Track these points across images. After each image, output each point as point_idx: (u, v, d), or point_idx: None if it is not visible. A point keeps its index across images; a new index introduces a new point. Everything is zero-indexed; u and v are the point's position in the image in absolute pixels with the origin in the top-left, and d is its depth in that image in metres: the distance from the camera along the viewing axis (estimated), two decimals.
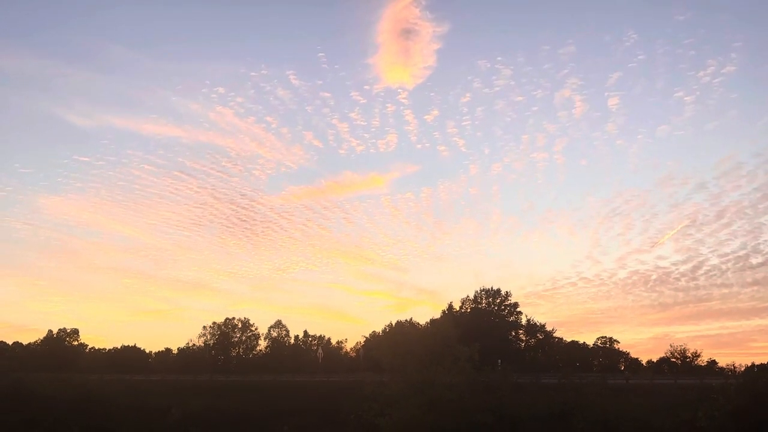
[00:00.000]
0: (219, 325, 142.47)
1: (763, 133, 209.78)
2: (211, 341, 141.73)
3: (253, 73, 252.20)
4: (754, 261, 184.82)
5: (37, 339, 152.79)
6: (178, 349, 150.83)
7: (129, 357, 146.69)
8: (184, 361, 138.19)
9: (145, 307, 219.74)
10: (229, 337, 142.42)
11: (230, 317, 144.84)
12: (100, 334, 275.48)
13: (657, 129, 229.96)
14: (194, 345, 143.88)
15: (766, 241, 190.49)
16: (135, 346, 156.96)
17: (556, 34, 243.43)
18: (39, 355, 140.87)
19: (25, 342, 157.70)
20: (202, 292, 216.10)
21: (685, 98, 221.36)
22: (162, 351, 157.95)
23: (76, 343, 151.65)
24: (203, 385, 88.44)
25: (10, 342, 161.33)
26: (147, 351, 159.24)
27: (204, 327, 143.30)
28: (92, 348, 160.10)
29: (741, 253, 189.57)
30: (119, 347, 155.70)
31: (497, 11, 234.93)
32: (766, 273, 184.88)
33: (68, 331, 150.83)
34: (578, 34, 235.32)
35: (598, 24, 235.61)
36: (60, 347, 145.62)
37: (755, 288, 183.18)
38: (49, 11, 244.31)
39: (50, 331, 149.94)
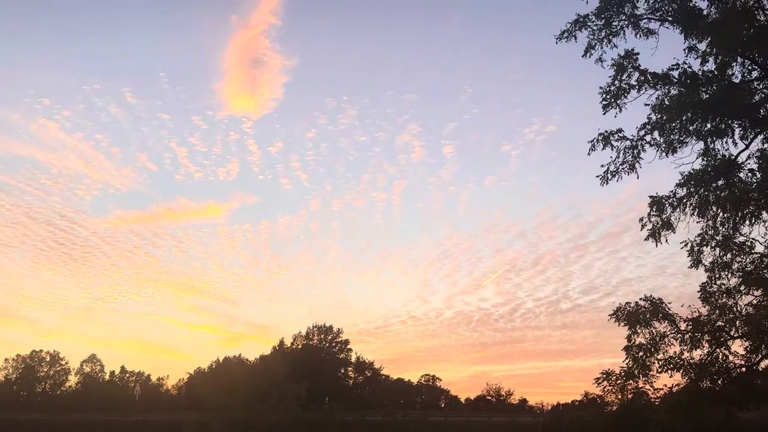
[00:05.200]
0: (24, 358, 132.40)
1: (577, 189, 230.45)
2: (14, 375, 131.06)
3: (84, 87, 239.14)
4: (563, 306, 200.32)
5: None
6: None
7: None
8: None
9: None
10: (34, 372, 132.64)
11: (37, 349, 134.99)
12: None
13: (486, 178, 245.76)
14: None
15: (574, 288, 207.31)
16: None
17: (399, 81, 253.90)
18: None
19: None
20: (7, 321, 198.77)
21: (512, 152, 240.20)
22: None
23: None
24: (3, 424, 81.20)
25: None
26: None
27: (6, 359, 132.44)
28: None
29: (553, 298, 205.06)
30: None
31: (346, 51, 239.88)
32: (573, 318, 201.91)
33: None
34: (420, 83, 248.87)
35: (439, 76, 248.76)
36: None
37: (564, 331, 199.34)
38: None
39: None
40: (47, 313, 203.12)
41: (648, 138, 18.81)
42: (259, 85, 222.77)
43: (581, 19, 19.03)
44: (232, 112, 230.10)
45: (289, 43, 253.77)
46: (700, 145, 18.95)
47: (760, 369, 20.57)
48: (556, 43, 19.41)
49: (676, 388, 20.19)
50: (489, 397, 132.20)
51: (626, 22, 18.89)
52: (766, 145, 19.15)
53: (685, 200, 19.06)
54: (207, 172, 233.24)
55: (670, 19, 18.71)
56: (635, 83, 18.64)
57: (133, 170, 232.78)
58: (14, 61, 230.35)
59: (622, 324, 20.84)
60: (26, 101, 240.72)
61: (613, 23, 18.90)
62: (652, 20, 18.89)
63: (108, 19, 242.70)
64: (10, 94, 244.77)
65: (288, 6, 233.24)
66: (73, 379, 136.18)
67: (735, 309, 20.20)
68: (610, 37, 18.94)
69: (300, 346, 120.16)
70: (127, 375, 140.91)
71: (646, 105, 18.78)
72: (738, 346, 20.27)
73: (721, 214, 19.32)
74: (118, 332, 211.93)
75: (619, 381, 20.72)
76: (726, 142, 18.79)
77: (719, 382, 19.61)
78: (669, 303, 21.09)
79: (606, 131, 18.90)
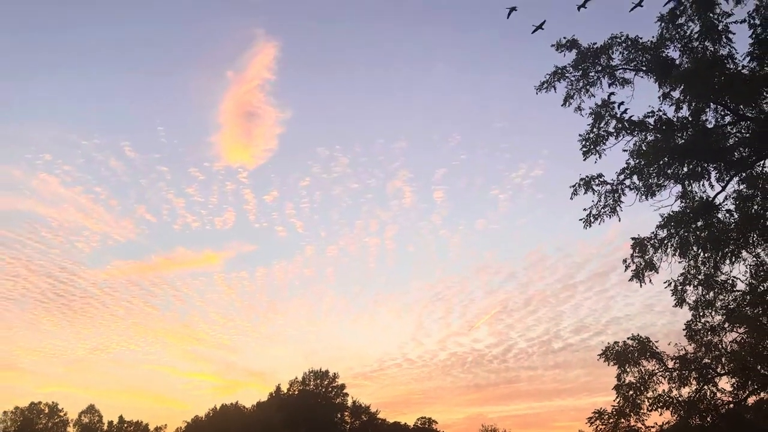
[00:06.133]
0: (22, 410, 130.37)
1: (564, 230, 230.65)
2: (12, 428, 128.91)
3: (84, 142, 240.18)
4: (555, 346, 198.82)
5: None
6: None
7: None
8: None
9: None
10: (33, 424, 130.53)
11: (36, 401, 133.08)
12: None
13: (475, 222, 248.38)
14: None
15: (565, 327, 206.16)
16: None
17: (389, 129, 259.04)
18: None
19: None
20: (6, 372, 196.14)
21: (500, 196, 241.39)
22: None
23: None
24: None
25: None
26: None
27: (4, 412, 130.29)
28: None
29: (545, 338, 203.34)
30: None
31: (338, 102, 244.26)
32: (565, 357, 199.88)
33: None
34: (409, 131, 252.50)
35: (427, 124, 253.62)
36: None
37: (557, 371, 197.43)
38: None
39: None
40: (46, 364, 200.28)
41: (628, 182, 19.18)
42: (254, 137, 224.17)
43: (559, 71, 19.60)
44: (229, 163, 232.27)
45: (283, 97, 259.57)
46: (678, 188, 19.34)
47: (749, 404, 20.63)
48: (537, 93, 19.99)
49: (667, 425, 20.22)
50: None
51: (602, 73, 19.43)
52: (741, 187, 19.53)
53: (666, 241, 19.31)
54: (204, 221, 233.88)
55: (644, 68, 19.25)
56: (613, 130, 19.09)
57: (132, 221, 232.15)
58: (16, 118, 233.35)
59: (611, 363, 20.94)
60: (27, 157, 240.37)
61: (590, 74, 19.44)
62: (628, 70, 19.44)
63: (108, 76, 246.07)
64: (12, 151, 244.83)
65: (281, 61, 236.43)
66: (71, 431, 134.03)
67: (720, 346, 20.33)
68: (588, 87, 19.48)
69: (296, 392, 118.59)
70: (125, 425, 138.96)
71: (625, 151, 19.22)
72: (725, 383, 20.37)
73: (701, 254, 19.51)
74: (116, 382, 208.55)
75: (611, 420, 20.68)
76: (703, 185, 19.18)
77: (708, 419, 19.65)
78: (657, 341, 21.23)
79: (587, 176, 19.31)
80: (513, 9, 21.82)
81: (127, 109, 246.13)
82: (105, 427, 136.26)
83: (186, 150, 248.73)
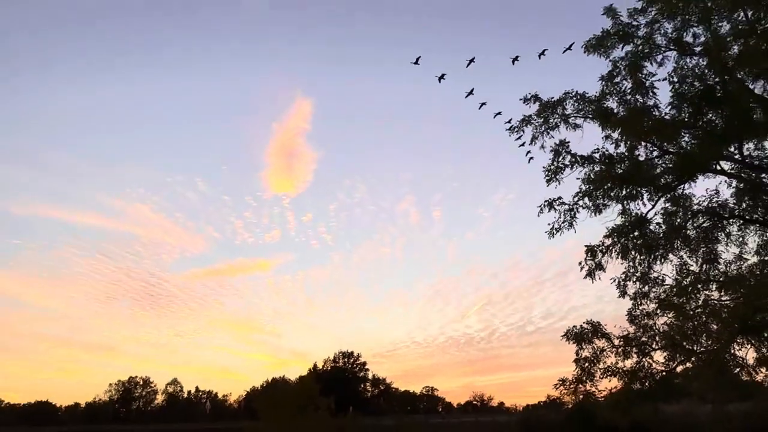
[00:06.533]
0: (123, 383, 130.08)
1: (535, 240, 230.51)
2: (116, 396, 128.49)
3: (168, 179, 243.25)
4: (528, 329, 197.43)
5: None
6: (85, 403, 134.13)
7: (41, 410, 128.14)
8: (91, 413, 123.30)
9: (58, 366, 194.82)
10: (131, 393, 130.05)
11: (133, 376, 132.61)
12: (17, 391, 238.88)
13: (466, 234, 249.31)
14: (100, 400, 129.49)
15: (536, 315, 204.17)
16: (47, 401, 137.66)
17: (398, 164, 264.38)
18: None
19: None
20: (111, 354, 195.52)
21: (484, 214, 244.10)
22: (71, 405, 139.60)
23: None
24: None
25: None
26: (58, 405, 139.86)
27: (110, 384, 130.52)
28: (8, 404, 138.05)
29: (520, 323, 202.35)
30: (32, 402, 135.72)
31: (359, 144, 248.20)
32: (537, 338, 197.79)
33: None
34: (414, 165, 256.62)
35: (427, 161, 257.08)
36: None
37: (530, 348, 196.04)
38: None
39: None
40: (140, 347, 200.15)
41: (581, 203, 18.89)
42: (294, 172, 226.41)
43: (526, 118, 19.44)
44: (275, 193, 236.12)
45: (316, 141, 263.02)
46: (619, 206, 19.03)
47: (678, 372, 20.05)
48: (509, 135, 19.80)
49: (615, 389, 19.64)
50: (475, 402, 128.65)
51: (559, 119, 19.23)
52: (667, 205, 19.29)
53: (611, 247, 19.00)
54: (257, 237, 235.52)
55: (591, 116, 19.02)
56: (568, 163, 18.88)
57: (203, 238, 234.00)
58: (121, 162, 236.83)
59: (571, 342, 20.44)
60: (127, 191, 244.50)
61: (550, 120, 19.25)
62: (578, 117, 19.24)
63: (186, 129, 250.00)
64: (117, 187, 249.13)
65: (314, 114, 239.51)
66: (160, 398, 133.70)
67: (654, 328, 19.76)
68: (548, 130, 19.28)
69: (329, 368, 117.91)
70: (200, 393, 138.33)
71: (578, 179, 18.97)
72: (659, 356, 19.80)
73: (638, 256, 19.22)
74: (193, 360, 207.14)
75: (571, 386, 20.09)
76: (638, 204, 18.95)
77: (647, 384, 19.09)
78: (606, 324, 20.69)
79: (550, 198, 19.06)
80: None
81: (199, 154, 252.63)
82: (185, 395, 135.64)
83: (242, 183, 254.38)
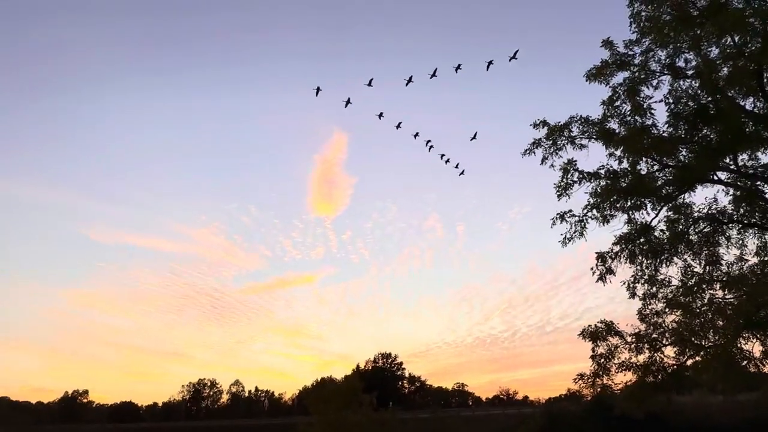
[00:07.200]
0: (193, 384, 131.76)
1: (550, 248, 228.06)
2: (187, 396, 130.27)
3: (225, 206, 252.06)
4: (547, 329, 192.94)
5: (55, 398, 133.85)
6: (162, 402, 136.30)
7: (125, 410, 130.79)
8: (167, 411, 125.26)
9: (139, 371, 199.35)
10: (200, 393, 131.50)
11: (202, 378, 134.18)
12: (105, 393, 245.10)
13: (487, 246, 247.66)
14: (174, 399, 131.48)
15: (554, 316, 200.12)
16: (130, 401, 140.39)
17: (424, 187, 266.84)
18: (56, 410, 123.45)
19: (45, 401, 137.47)
20: (182, 359, 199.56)
21: (503, 227, 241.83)
22: (150, 404, 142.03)
23: (85, 400, 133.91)
24: (180, 429, 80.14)
25: (33, 401, 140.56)
26: (140, 405, 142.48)
27: (182, 386, 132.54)
28: (98, 404, 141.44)
29: (539, 324, 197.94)
30: (118, 402, 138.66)
31: (390, 170, 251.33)
32: (555, 337, 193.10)
33: (80, 391, 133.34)
34: (438, 186, 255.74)
35: (450, 182, 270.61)
36: (72, 404, 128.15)
37: (549, 346, 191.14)
38: (83, 162, 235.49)
39: (66, 392, 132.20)
40: (206, 353, 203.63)
41: (590, 214, 18.38)
42: (334, 197, 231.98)
43: (536, 141, 19.16)
44: (318, 215, 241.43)
45: (352, 169, 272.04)
46: (625, 216, 18.50)
47: (688, 365, 19.17)
48: (522, 157, 19.56)
49: (630, 382, 18.89)
50: (502, 396, 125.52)
51: (566, 141, 18.91)
52: (669, 213, 18.70)
53: (619, 253, 18.47)
54: (303, 254, 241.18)
55: (594, 137, 18.68)
56: (576, 179, 18.47)
57: (257, 256, 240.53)
58: (185, 193, 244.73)
59: (587, 340, 19.78)
60: (191, 217, 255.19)
61: (558, 142, 18.94)
62: (584, 138, 18.91)
63: (237, 160, 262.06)
64: (182, 216, 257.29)
65: (350, 146, 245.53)
66: (225, 397, 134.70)
67: (663, 325, 19.00)
68: (557, 151, 18.92)
69: (371, 368, 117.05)
70: (259, 392, 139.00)
71: (586, 193, 18.51)
72: (670, 351, 18.98)
73: (644, 261, 18.61)
74: (252, 363, 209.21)
75: (589, 380, 19.39)
76: (642, 213, 18.38)
77: (659, 377, 18.30)
78: (618, 323, 19.98)
79: (561, 212, 18.56)
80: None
81: (252, 182, 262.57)
82: (246, 394, 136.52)
83: (290, 207, 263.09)
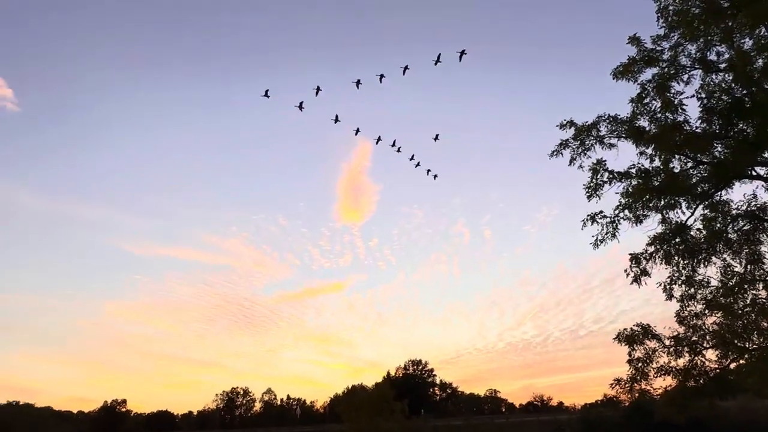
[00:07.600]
0: (227, 393, 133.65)
1: (580, 250, 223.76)
2: (221, 404, 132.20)
3: (254, 217, 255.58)
4: (581, 333, 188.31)
5: (95, 407, 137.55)
6: (197, 411, 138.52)
7: (162, 418, 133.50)
8: (201, 420, 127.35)
9: (174, 380, 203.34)
10: (233, 401, 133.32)
11: (235, 386, 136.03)
12: (142, 402, 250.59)
13: (515, 249, 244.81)
14: (209, 408, 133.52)
15: (587, 319, 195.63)
16: (166, 410, 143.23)
17: (450, 192, 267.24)
18: (96, 420, 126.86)
19: (86, 410, 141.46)
20: (215, 368, 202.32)
21: (531, 230, 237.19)
22: (186, 413, 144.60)
23: (124, 409, 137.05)
24: None
25: (74, 411, 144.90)
26: (175, 413, 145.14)
27: (216, 394, 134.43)
28: (135, 413, 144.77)
29: (573, 328, 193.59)
30: (155, 411, 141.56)
31: (414, 177, 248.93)
32: (590, 341, 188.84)
33: (119, 401, 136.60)
34: (464, 191, 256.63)
35: (475, 186, 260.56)
36: (112, 413, 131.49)
37: (584, 351, 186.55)
38: (120, 179, 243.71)
39: (105, 401, 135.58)
40: (239, 361, 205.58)
41: (621, 215, 17.94)
42: (360, 204, 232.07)
43: (564, 142, 18.82)
44: (345, 223, 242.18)
45: (377, 176, 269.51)
46: (659, 216, 18.02)
47: (731, 368, 18.44)
48: (549, 158, 19.23)
49: (670, 387, 18.27)
50: (536, 402, 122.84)
51: (594, 141, 18.54)
52: (706, 211, 18.10)
53: (654, 254, 17.95)
54: (332, 262, 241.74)
55: (624, 135, 18.27)
56: (606, 179, 18.05)
57: (286, 265, 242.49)
58: (215, 205, 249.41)
59: (623, 344, 19.23)
60: (221, 229, 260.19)
61: (586, 142, 18.58)
62: (612, 137, 18.51)
63: (264, 171, 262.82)
64: (213, 228, 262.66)
65: (375, 154, 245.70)
66: (257, 405, 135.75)
67: (704, 327, 18.34)
68: (585, 151, 18.54)
69: (401, 375, 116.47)
70: (291, 400, 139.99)
71: (616, 193, 18.04)
72: (711, 354, 18.30)
73: (681, 261, 18.03)
74: (283, 371, 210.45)
75: (627, 385, 18.85)
76: (677, 212, 17.88)
77: (701, 381, 17.66)
78: (655, 326, 19.40)
79: (591, 213, 18.14)
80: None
81: (280, 193, 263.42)
82: (278, 402, 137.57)
83: (317, 216, 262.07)
